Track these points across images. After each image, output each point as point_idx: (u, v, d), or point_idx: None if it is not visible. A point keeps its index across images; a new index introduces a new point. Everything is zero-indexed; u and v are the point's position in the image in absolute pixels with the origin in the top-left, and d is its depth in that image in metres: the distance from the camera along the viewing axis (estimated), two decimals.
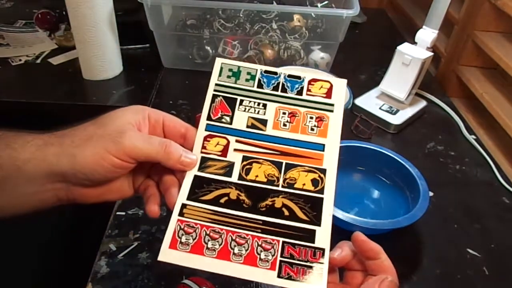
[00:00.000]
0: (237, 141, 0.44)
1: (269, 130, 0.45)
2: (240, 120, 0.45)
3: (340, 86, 0.47)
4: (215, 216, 0.40)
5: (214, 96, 0.46)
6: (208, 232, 0.39)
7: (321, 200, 0.41)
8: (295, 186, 0.42)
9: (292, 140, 0.44)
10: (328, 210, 0.41)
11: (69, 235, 0.74)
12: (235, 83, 0.47)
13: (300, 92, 0.47)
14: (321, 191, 0.42)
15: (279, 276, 0.37)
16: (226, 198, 0.41)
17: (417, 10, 1.27)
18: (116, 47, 0.95)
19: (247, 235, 0.39)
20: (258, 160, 0.43)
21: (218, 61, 0.48)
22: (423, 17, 0.87)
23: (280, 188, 0.42)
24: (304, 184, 0.42)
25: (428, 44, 0.84)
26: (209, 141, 0.44)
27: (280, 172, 0.43)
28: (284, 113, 0.46)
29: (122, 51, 0.98)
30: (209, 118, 0.45)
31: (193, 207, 0.41)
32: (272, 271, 0.38)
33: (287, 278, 0.37)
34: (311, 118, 0.45)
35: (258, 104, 0.46)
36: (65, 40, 1.06)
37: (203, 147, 0.44)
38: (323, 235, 0.39)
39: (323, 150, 0.44)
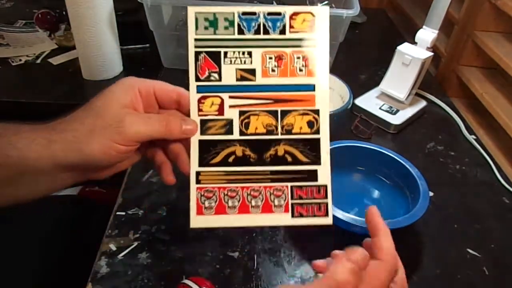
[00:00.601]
0: (230, 97, 0.44)
1: (259, 79, 0.44)
2: (229, 75, 0.44)
3: (323, 15, 0.45)
4: (228, 177, 0.43)
5: (197, 54, 0.44)
6: (226, 193, 0.43)
7: (318, 140, 0.44)
8: (293, 131, 0.44)
9: (283, 86, 0.45)
10: (326, 148, 0.44)
11: (69, 235, 0.74)
12: (214, 33, 0.44)
13: (283, 31, 0.45)
14: (317, 131, 0.44)
15: (292, 216, 0.43)
16: (233, 156, 0.43)
17: (417, 10, 1.27)
18: (116, 47, 0.95)
19: (259, 187, 0.43)
20: (254, 112, 0.44)
21: (191, 11, 0.44)
22: (423, 17, 0.87)
23: (279, 136, 0.44)
24: (301, 128, 0.44)
25: (428, 44, 0.84)
26: (203, 102, 0.44)
27: (277, 120, 0.44)
28: (270, 58, 0.45)
29: (122, 51, 0.98)
30: (197, 79, 0.44)
31: (207, 172, 0.43)
32: (286, 213, 0.43)
33: (299, 217, 0.43)
34: (298, 58, 0.45)
35: (243, 53, 0.45)
36: (65, 40, 1.06)
37: (199, 109, 0.44)
38: (324, 173, 0.43)
39: (314, 90, 0.44)
